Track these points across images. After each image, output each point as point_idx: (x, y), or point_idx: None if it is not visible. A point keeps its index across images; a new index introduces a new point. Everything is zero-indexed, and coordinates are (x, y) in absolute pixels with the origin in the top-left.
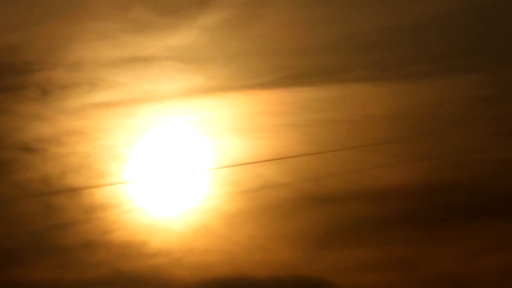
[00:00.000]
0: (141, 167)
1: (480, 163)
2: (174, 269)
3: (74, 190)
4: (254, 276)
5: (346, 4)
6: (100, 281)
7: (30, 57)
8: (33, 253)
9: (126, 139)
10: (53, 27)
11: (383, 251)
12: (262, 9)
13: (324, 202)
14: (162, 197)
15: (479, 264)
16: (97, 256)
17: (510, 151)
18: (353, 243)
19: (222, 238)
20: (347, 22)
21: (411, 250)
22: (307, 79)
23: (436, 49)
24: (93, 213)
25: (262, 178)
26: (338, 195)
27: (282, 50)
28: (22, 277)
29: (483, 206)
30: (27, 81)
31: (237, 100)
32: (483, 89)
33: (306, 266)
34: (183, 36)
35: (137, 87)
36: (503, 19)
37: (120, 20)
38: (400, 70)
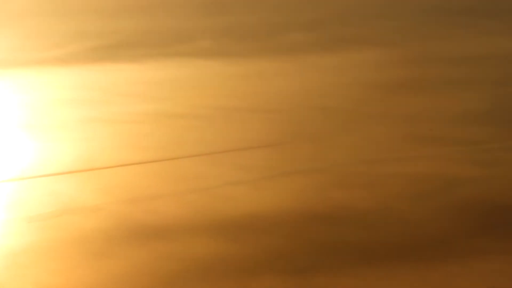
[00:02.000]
0: None
1: (384, 181)
2: None
3: None
4: None
5: None
6: None
7: None
8: None
9: None
10: None
11: None
12: None
13: (152, 236)
14: None
15: None
16: None
17: (427, 162)
18: None
19: None
20: None
21: None
22: (128, 52)
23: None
24: None
25: (60, 198)
26: (174, 225)
27: (88, 9)
28: None
29: (386, 246)
30: None
31: (22, 83)
32: (388, 70)
33: None
34: None
35: None
36: None
37: None
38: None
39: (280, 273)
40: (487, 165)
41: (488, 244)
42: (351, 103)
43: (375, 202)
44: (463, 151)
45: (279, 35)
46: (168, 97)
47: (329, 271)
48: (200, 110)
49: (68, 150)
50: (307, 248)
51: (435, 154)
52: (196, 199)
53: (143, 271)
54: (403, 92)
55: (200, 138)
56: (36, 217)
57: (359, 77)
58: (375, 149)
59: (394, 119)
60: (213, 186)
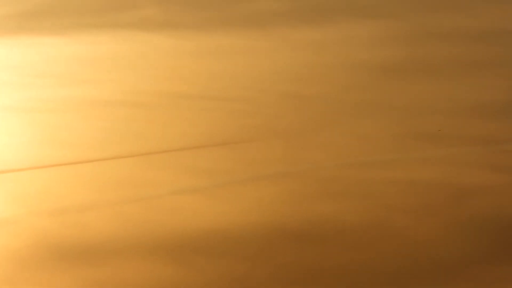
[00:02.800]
0: None
1: (378, 189)
2: None
3: None
4: None
5: None
6: None
7: None
8: None
9: None
10: None
11: None
12: None
13: (78, 258)
14: None
15: None
16: None
17: (432, 166)
18: None
19: None
20: None
21: None
22: (50, 21)
23: None
24: None
25: None
26: (106, 244)
27: None
28: None
29: (381, 272)
30: None
31: None
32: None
33: None
34: None
35: None
36: None
37: None
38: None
39: None
40: (507, 170)
41: (509, 272)
42: (335, 90)
43: (367, 216)
44: (478, 153)
45: (243, 2)
46: (99, 79)
47: None
48: (141, 96)
49: None
50: (278, 275)
51: (442, 156)
52: (133, 211)
53: None
54: (401, 77)
55: (139, 133)
56: None
57: (345, 56)
58: (366, 149)
59: (390, 111)
60: (155, 195)
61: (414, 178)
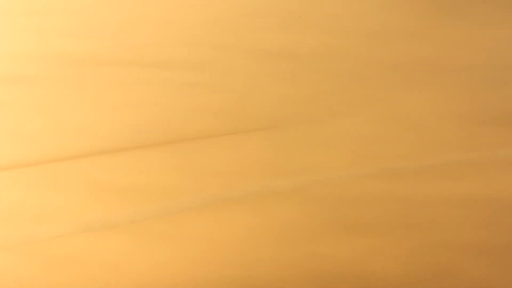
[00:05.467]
0: None
1: (421, 213)
2: None
3: None
4: None
5: None
6: None
7: None
8: None
9: None
10: None
11: None
12: None
13: None
14: None
15: None
16: None
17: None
18: None
19: None
20: None
21: None
22: None
23: None
24: None
25: None
26: None
27: None
28: None
29: None
30: None
31: None
32: None
33: None
34: None
35: None
36: None
37: None
38: None
39: None
40: None
41: None
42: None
43: (418, 264)
44: None
45: None
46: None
47: None
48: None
49: None
50: None
51: None
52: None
53: None
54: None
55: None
56: None
57: None
58: (406, 145)
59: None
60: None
61: (491, 194)
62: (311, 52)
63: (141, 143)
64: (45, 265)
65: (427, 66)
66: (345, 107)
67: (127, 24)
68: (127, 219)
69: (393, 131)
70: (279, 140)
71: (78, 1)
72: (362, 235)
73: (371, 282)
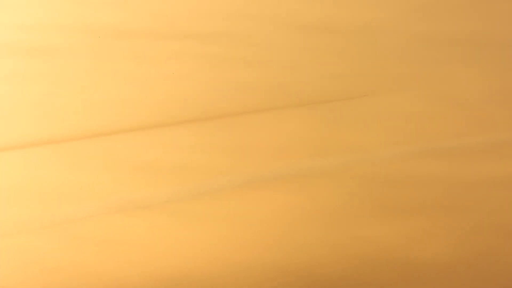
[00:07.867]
0: None
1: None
2: None
3: None
4: None
5: None
6: None
7: None
8: None
9: None
10: None
11: None
12: None
13: None
14: None
15: None
16: None
17: None
18: None
19: None
20: None
21: None
22: None
23: None
24: None
25: None
26: None
27: None
28: None
29: None
30: None
31: None
32: None
33: None
34: None
35: None
36: None
37: None
38: None
39: None
40: None
41: None
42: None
43: (466, 249)
44: None
45: None
46: None
47: None
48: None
49: None
50: None
51: None
52: None
53: None
54: None
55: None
56: None
57: None
58: (452, 123)
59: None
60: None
61: None
62: (355, 27)
63: (175, 120)
64: (75, 247)
65: (476, 41)
66: (390, 84)
67: None
68: (161, 199)
69: (440, 109)
70: (320, 117)
71: None
72: (406, 218)
73: (417, 268)
